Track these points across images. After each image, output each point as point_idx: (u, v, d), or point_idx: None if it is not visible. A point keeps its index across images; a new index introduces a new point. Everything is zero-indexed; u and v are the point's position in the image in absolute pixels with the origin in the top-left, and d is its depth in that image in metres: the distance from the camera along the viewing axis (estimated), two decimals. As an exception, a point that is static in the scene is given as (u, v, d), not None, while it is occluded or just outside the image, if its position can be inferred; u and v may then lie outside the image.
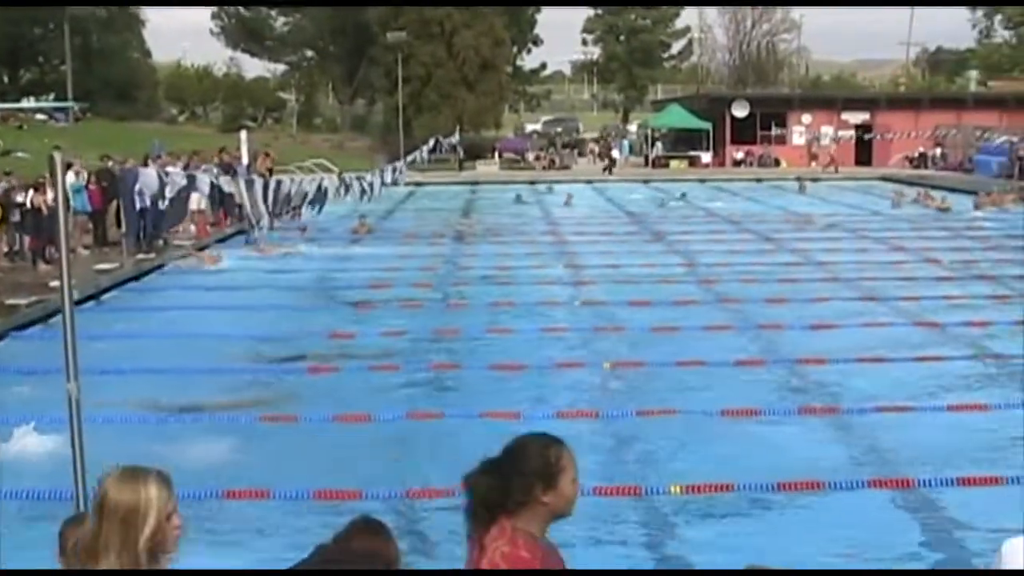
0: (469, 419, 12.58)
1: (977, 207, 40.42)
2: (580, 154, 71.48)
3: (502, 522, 4.26)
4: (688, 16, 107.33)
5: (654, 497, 10.32)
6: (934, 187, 46.42)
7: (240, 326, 18.67)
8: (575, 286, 22.76)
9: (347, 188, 23.44)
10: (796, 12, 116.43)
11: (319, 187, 20.15)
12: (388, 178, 39.80)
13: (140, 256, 26.66)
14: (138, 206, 26.17)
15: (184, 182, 17.99)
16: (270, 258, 27.28)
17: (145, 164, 29.07)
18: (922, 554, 9.23)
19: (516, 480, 4.27)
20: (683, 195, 45.31)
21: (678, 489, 10.28)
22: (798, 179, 51.59)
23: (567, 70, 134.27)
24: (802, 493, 10.35)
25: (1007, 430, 12.05)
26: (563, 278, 23.96)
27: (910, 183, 49.81)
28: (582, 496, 9.97)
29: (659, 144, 65.81)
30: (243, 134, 46.30)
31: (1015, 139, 53.92)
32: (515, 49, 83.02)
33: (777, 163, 64.04)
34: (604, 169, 61.36)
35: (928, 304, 20.22)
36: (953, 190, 46.30)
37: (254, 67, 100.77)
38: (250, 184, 17.98)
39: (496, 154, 67.55)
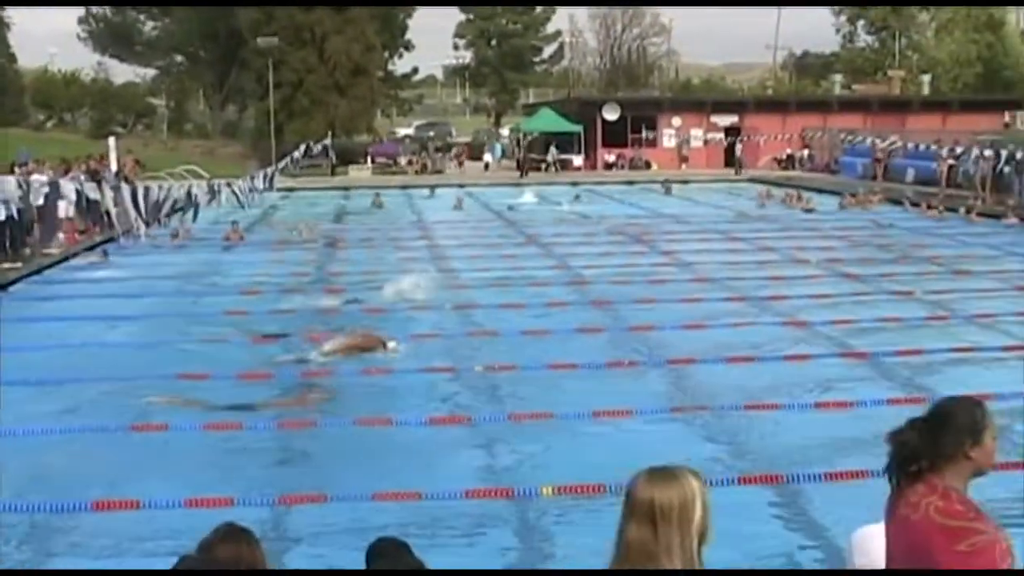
0: (343, 427, 12.58)
1: (842, 207, 41.32)
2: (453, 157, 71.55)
3: (931, 480, 4.53)
4: (559, 20, 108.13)
5: (526, 499, 10.36)
6: (800, 188, 47.26)
7: (110, 335, 18.41)
8: (447, 290, 22.75)
9: (216, 194, 23.21)
10: (665, 16, 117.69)
11: (188, 194, 19.95)
12: (260, 184, 39.60)
13: (7, 265, 26.11)
14: (3, 215, 25.68)
15: (47, 189, 17.71)
16: (140, 265, 26.88)
17: (11, 171, 28.50)
18: (791, 549, 9.39)
19: (946, 435, 4.56)
20: (577, 196, 45.85)
21: (550, 491, 10.33)
22: (664, 181, 52.19)
23: (439, 74, 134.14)
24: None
25: (872, 425, 12.25)
26: (435, 283, 23.92)
27: (778, 184, 50.67)
28: (454, 499, 10.06)
29: (554, 148, 65.69)
30: (112, 140, 45.66)
31: (878, 141, 55.11)
32: (387, 54, 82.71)
33: (648, 166, 64.70)
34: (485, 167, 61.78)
35: (796, 303, 20.58)
36: (820, 191, 47.25)
37: (123, 72, 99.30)
38: (118, 191, 17.75)
39: (368, 159, 67.28)
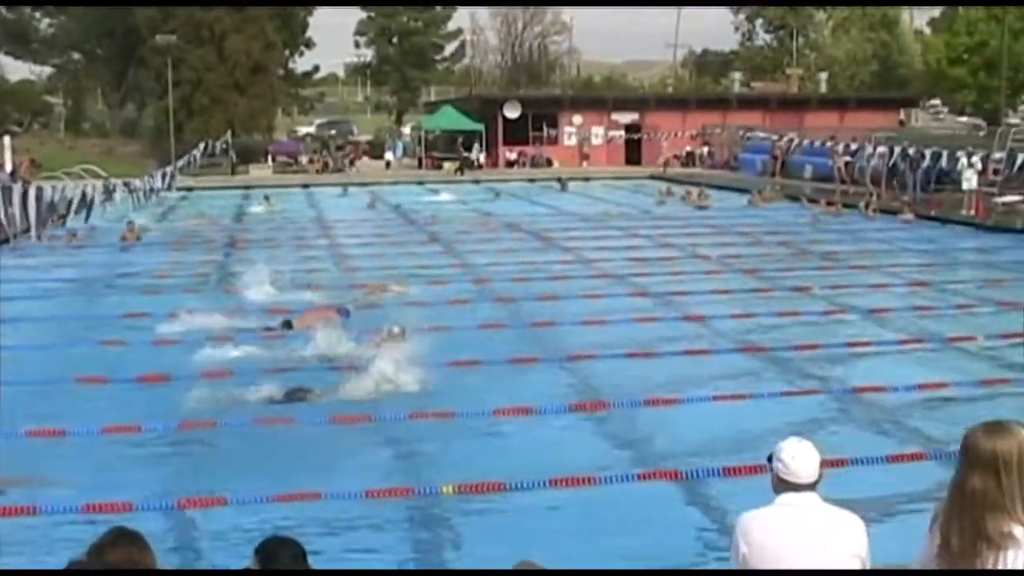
0: (243, 427, 12.50)
1: (750, 204, 41.84)
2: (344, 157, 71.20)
3: None
4: (460, 18, 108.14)
5: (427, 498, 10.36)
6: (698, 184, 47.67)
7: (4, 339, 18.10)
8: (349, 289, 22.67)
9: (111, 194, 22.91)
10: (566, 14, 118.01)
11: (83, 194, 19.68)
12: (159, 183, 39.19)
13: None
14: None
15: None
16: (34, 267, 26.47)
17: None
18: (690, 543, 9.47)
19: None
20: (497, 194, 46.22)
21: (451, 489, 10.35)
22: (559, 179, 52.43)
23: (341, 72, 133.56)
24: (574, 488, 10.50)
25: (769, 420, 12.44)
26: (338, 282, 23.83)
27: (679, 181, 51.12)
28: (354, 499, 10.02)
29: (476, 146, 65.50)
30: (7, 140, 44.97)
31: (775, 138, 55.76)
32: (287, 52, 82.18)
33: (550, 163, 64.88)
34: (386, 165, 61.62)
35: (696, 299, 20.78)
36: (720, 187, 47.74)
37: (18, 70, 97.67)
38: (8, 192, 17.46)
39: (269, 158, 66.83)
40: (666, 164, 61.36)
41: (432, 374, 14.58)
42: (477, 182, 55.22)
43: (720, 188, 47.60)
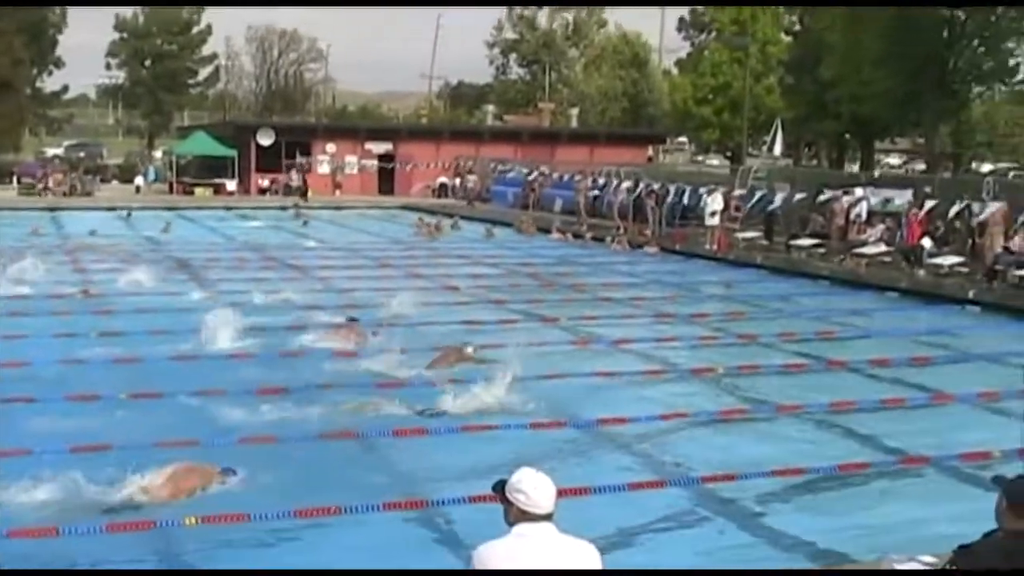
0: None
1: (517, 232, 42.71)
2: (103, 180, 69.37)
3: None
4: (215, 43, 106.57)
5: (170, 529, 10.21)
6: (451, 215, 48.17)
7: None
8: (93, 315, 22.13)
9: None
10: (323, 42, 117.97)
11: None
12: None
13: None
14: None
15: None
16: None
17: None
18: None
19: None
20: (305, 223, 46.03)
21: (194, 520, 10.20)
22: (295, 206, 52.17)
23: (92, 94, 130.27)
24: (320, 519, 10.48)
25: (515, 449, 12.59)
26: (81, 308, 23.23)
27: (431, 212, 51.42)
28: (95, 535, 9.78)
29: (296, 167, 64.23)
30: None
31: (526, 170, 56.70)
32: (35, 71, 79.79)
33: (303, 192, 64.35)
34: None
35: (444, 329, 20.88)
36: (472, 219, 48.25)
37: None
38: None
39: (15, 179, 64.59)
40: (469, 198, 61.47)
41: (175, 403, 14.37)
42: (229, 208, 54.46)
43: (472, 220, 48.08)
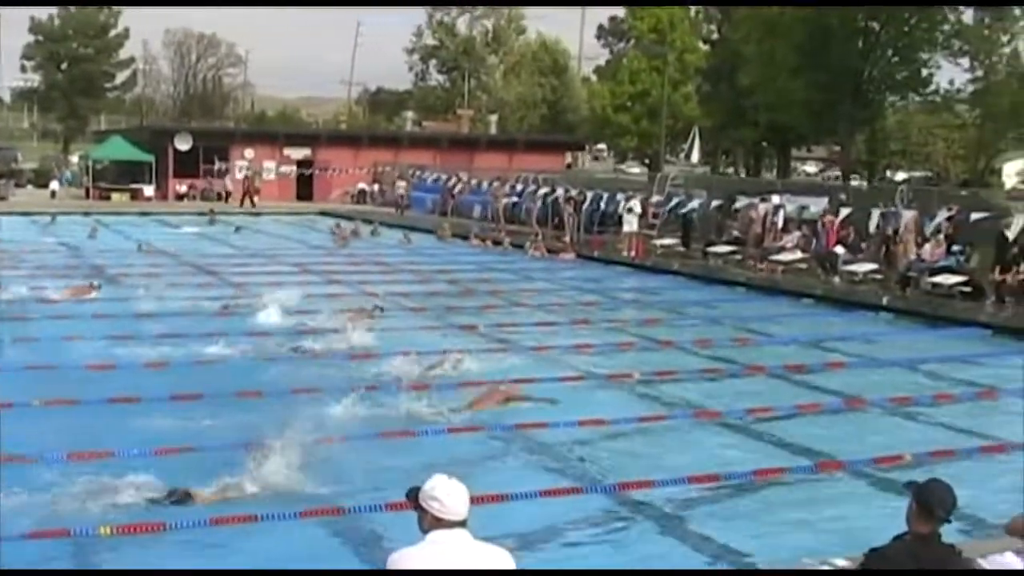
0: None
1: (438, 238, 42.74)
2: (18, 184, 68.35)
3: None
4: (133, 47, 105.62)
5: (85, 539, 10.09)
6: (370, 222, 48.07)
7: None
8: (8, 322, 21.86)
9: None
10: (242, 47, 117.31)
11: None
12: None
13: None
14: None
15: None
16: None
17: None
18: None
19: None
20: (237, 229, 45.86)
21: (108, 530, 10.09)
22: (211, 211, 51.82)
23: (6, 97, 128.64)
24: (237, 526, 10.41)
25: (432, 455, 12.57)
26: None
27: (349, 218, 51.22)
28: (15, 540, 9.65)
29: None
30: None
31: (445, 177, 56.73)
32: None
33: (220, 197, 63.93)
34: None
35: (362, 336, 20.77)
36: (391, 225, 48.15)
37: None
38: None
39: (-76, 184, 63.51)
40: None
41: (93, 411, 14.24)
42: (144, 214, 53.90)
43: (391, 226, 47.98)
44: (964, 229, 30.33)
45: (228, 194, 62.10)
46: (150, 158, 64.14)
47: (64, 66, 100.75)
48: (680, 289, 30.84)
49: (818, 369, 19.61)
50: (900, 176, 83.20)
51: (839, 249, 31.96)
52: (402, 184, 59.36)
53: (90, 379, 16.65)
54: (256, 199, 60.52)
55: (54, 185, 65.17)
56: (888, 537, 6.66)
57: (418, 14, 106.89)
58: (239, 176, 64.49)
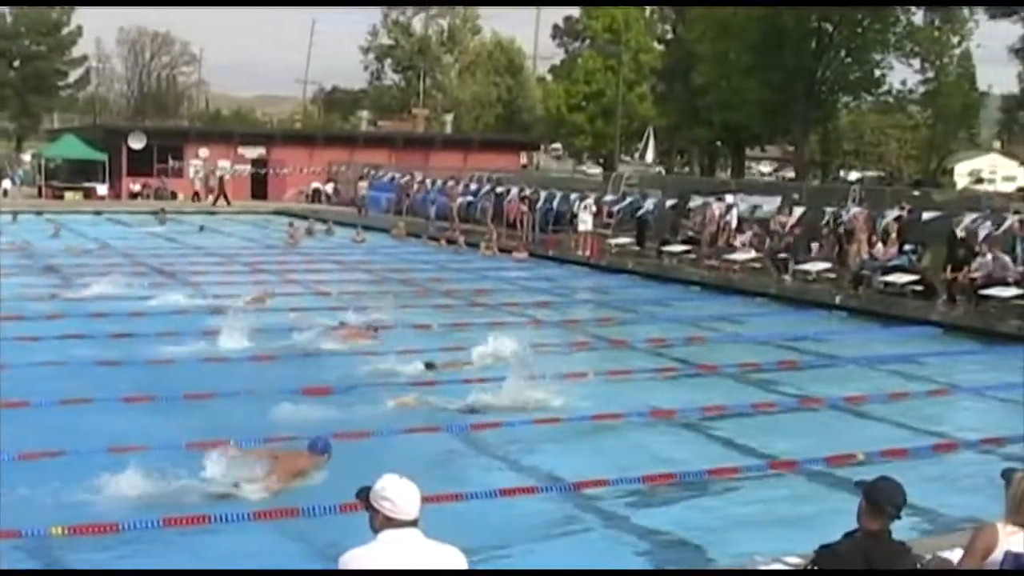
0: None
1: (393, 237, 42.63)
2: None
3: None
4: (86, 44, 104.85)
5: (38, 539, 10.02)
6: (325, 221, 48.00)
7: None
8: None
9: None
10: (196, 46, 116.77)
11: None
12: None
13: None
14: None
15: None
16: None
17: None
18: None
19: None
20: (201, 228, 45.93)
21: (60, 531, 10.02)
22: (161, 211, 51.51)
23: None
24: (189, 528, 10.37)
25: (390, 456, 12.54)
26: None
27: (304, 217, 51.07)
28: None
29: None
30: None
31: (400, 176, 56.68)
32: None
33: (174, 196, 63.66)
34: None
35: (297, 336, 20.68)
36: (346, 224, 48.02)
37: None
38: None
39: None
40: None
41: (44, 413, 14.13)
42: (98, 213, 53.52)
43: (345, 225, 47.85)
44: (916, 228, 30.54)
45: (225, 194, 61.53)
46: (103, 157, 63.81)
47: (16, 63, 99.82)
48: (634, 288, 30.95)
49: (772, 368, 19.71)
50: (853, 176, 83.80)
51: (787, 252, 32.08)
52: (363, 185, 59.17)
53: (42, 378, 16.53)
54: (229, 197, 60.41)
55: (6, 184, 64.71)
56: (838, 534, 6.71)
57: (374, 13, 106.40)
58: (215, 175, 64.02)
